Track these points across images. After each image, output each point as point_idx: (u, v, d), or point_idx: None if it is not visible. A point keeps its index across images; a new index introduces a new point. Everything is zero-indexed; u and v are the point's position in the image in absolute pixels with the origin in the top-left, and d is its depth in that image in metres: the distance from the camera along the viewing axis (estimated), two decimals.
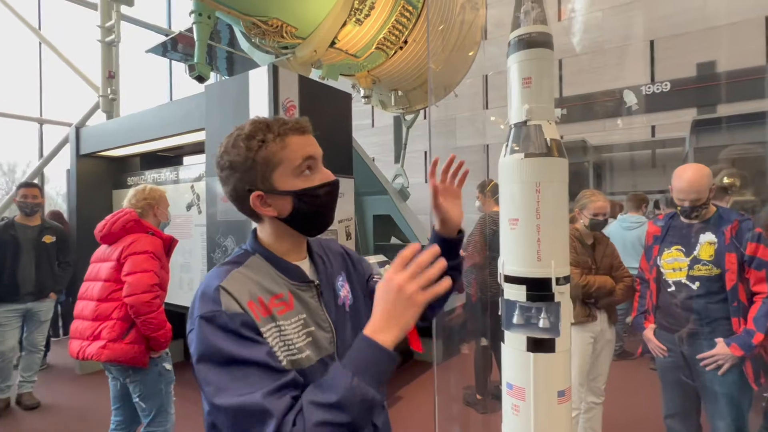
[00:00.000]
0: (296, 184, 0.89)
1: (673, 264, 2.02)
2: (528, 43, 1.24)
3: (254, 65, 5.79)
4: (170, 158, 4.51)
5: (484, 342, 3.23)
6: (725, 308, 1.93)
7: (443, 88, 6.12)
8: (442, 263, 0.75)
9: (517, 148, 1.27)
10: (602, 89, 6.40)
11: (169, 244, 2.33)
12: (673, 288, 2.05)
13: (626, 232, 4.32)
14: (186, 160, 4.59)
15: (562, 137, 4.78)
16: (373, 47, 4.52)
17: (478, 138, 7.42)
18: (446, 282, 0.75)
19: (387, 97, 5.90)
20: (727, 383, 1.92)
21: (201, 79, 3.83)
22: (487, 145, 7.32)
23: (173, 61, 9.57)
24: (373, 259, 4.19)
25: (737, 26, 5.54)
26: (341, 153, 2.76)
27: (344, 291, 1.02)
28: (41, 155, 8.68)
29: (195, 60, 3.77)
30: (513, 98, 1.29)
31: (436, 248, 0.77)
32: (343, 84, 5.44)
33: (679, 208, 1.99)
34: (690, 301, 1.98)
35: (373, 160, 8.60)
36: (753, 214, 4.16)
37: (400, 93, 5.83)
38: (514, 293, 1.26)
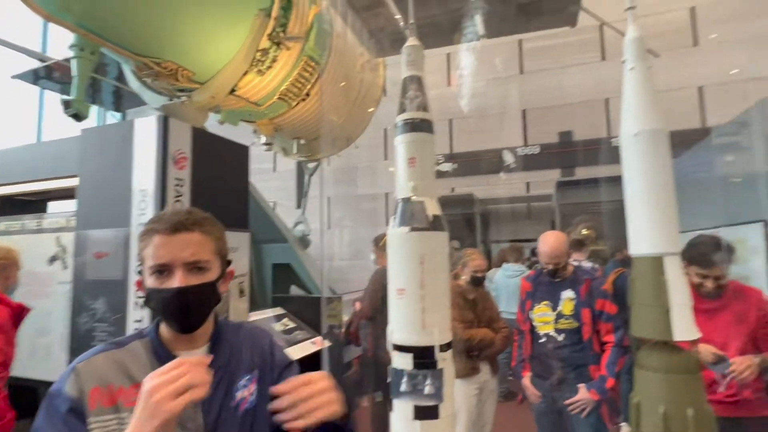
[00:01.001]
0: (148, 282, 0.94)
1: (543, 318, 2.29)
2: (413, 126, 1.38)
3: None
4: (32, 203, 3.92)
5: (379, 396, 3.23)
6: (586, 357, 2.22)
7: (345, 139, 6.34)
8: (200, 374, 0.72)
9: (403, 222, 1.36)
10: (486, 148, 7.20)
11: (19, 313, 1.99)
12: (544, 339, 2.31)
13: (509, 280, 4.78)
14: (51, 205, 4.02)
15: (453, 189, 5.19)
16: (275, 97, 4.55)
17: (377, 187, 7.75)
18: (199, 390, 0.71)
19: (289, 144, 5.92)
20: (590, 424, 2.17)
21: (78, 117, 3.46)
22: (387, 194, 7.68)
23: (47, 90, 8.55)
24: (270, 312, 4.01)
25: (587, 104, 6.72)
26: (236, 207, 2.67)
27: (245, 392, 0.96)
28: None
29: (72, 96, 3.42)
30: (400, 175, 1.40)
31: (204, 358, 0.77)
32: (243, 129, 5.34)
33: (545, 269, 2.30)
34: (558, 351, 2.25)
35: (274, 205, 8.43)
36: (605, 262, 4.91)
37: (302, 141, 5.89)
38: (402, 361, 1.31)
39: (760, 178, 3.25)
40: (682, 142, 5.84)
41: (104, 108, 8.20)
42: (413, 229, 1.33)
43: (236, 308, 2.69)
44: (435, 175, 1.40)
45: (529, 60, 7.20)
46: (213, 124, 3.92)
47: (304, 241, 5.78)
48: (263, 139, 5.39)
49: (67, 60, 3.60)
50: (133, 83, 4.33)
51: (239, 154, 2.83)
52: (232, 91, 4.08)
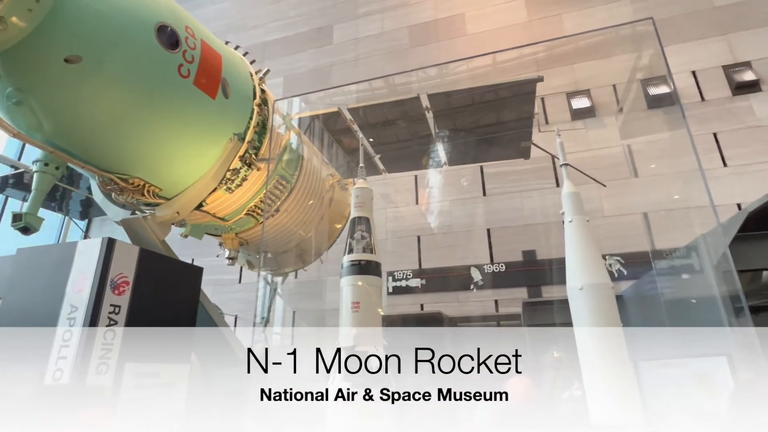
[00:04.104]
0: None
1: None
2: (359, 269, 1.33)
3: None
4: None
5: None
6: None
7: (315, 253, 6.31)
8: None
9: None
10: (454, 265, 7.27)
11: None
12: None
13: None
14: None
15: (422, 306, 4.99)
16: (243, 213, 4.59)
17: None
18: None
19: (255, 258, 5.82)
20: None
21: (27, 230, 3.33)
22: None
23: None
24: None
25: (547, 225, 7.05)
26: (179, 335, 2.45)
27: None
28: None
29: (26, 209, 3.33)
30: (343, 319, 1.31)
31: None
32: (208, 242, 5.26)
33: None
34: None
35: (236, 318, 7.98)
36: None
37: (269, 255, 5.82)
38: None
39: (716, 306, 3.29)
40: (636, 263, 6.08)
41: (70, 216, 8.06)
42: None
43: None
44: (381, 321, 1.32)
45: (490, 183, 7.72)
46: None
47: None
48: (228, 253, 5.29)
49: None
50: (97, 196, 4.31)
51: (192, 276, 2.70)
52: (200, 206, 4.09)
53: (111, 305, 2.04)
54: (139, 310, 2.17)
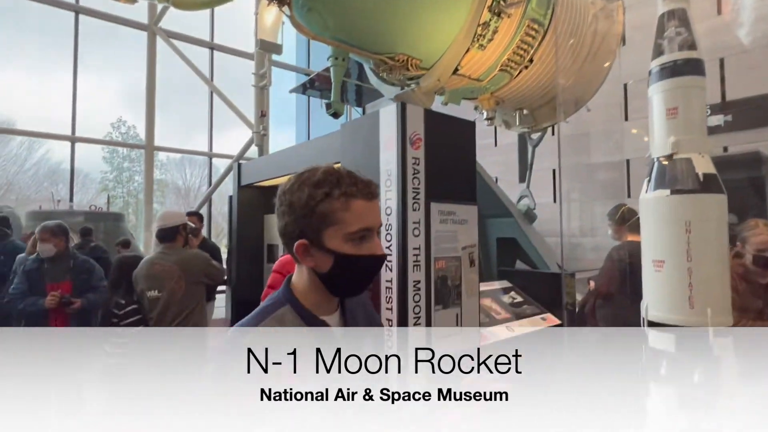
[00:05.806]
0: (343, 248, 0.91)
1: None
2: (673, 71, 1.15)
3: (378, 95, 6.21)
4: None
5: None
6: None
7: (574, 103, 5.76)
8: None
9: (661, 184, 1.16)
10: None
11: None
12: None
13: None
14: None
15: (725, 149, 4.06)
16: (497, 70, 4.50)
17: (616, 153, 6.76)
18: None
19: (511, 116, 5.77)
20: None
21: (336, 115, 4.29)
22: (628, 161, 6.58)
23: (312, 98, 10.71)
24: (497, 285, 4.09)
25: None
26: (464, 181, 2.80)
27: None
28: (209, 184, 10.48)
29: (331, 99, 4.23)
30: (655, 130, 1.19)
31: None
32: (465, 107, 5.49)
33: None
34: None
35: (496, 180, 8.40)
36: None
37: (525, 112, 5.66)
38: (661, 342, 1.14)
39: None
40: None
41: (349, 104, 9.80)
42: (675, 192, 1.13)
43: (468, 278, 2.83)
44: (706, 126, 1.14)
45: None
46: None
47: (529, 216, 5.60)
48: (485, 115, 5.44)
49: (326, 70, 4.43)
50: (373, 80, 5.01)
51: (466, 130, 2.94)
52: (456, 71, 4.24)
53: (413, 158, 2.48)
54: (432, 162, 2.57)
